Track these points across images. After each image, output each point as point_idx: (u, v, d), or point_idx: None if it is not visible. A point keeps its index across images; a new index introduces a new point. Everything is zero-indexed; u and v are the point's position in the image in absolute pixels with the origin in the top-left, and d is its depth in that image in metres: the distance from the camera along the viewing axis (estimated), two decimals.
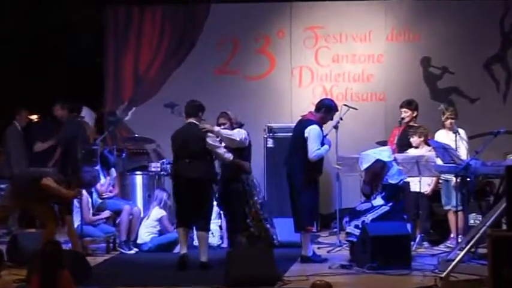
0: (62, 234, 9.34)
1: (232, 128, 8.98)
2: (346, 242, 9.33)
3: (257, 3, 12.48)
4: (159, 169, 10.90)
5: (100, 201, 10.06)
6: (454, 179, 9.55)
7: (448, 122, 9.94)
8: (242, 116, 9.35)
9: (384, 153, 9.13)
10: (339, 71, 12.32)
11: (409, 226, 9.12)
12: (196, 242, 8.99)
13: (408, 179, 9.56)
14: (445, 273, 7.45)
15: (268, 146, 10.90)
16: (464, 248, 7.88)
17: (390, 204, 8.92)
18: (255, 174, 9.20)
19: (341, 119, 9.84)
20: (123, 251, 9.90)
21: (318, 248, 9.71)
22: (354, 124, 11.39)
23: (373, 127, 11.97)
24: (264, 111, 11.99)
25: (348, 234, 8.96)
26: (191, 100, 9.08)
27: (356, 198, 10.54)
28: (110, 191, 10.35)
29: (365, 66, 12.28)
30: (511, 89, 12.11)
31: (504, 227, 7.41)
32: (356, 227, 8.79)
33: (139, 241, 10.02)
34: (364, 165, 9.11)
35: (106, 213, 10.07)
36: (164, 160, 10.90)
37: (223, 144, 8.88)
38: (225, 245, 10.03)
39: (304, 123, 9.04)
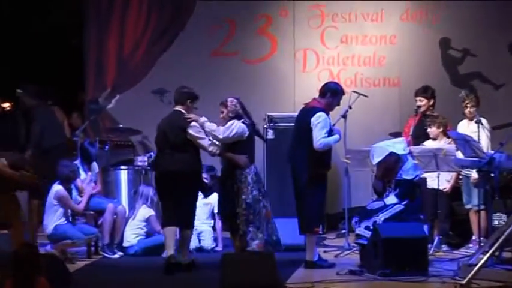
0: (41, 237, 9.37)
1: (229, 119, 8.94)
2: (355, 245, 9.35)
3: None
4: (146, 163, 10.92)
5: (80, 199, 10.04)
6: (473, 174, 9.56)
7: (467, 111, 9.92)
8: None
9: (398, 146, 9.12)
10: (348, 53, 12.31)
11: (426, 227, 9.14)
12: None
13: (425, 175, 9.59)
14: (466, 279, 7.47)
15: (268, 137, 10.88)
16: (487, 252, 7.89)
17: (405, 202, 8.93)
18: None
19: (350, 107, 9.83)
20: (107, 254, 9.89)
21: (324, 251, 9.72)
22: (365, 113, 11.40)
23: (386, 116, 11.98)
24: (264, 98, 11.97)
25: (358, 236, 8.95)
26: (181, 86, 9.08)
27: (367, 196, 10.57)
28: (93, 188, 10.34)
29: (376, 48, 12.28)
30: None
31: None
32: (367, 228, 8.78)
33: (124, 244, 10.03)
34: (376, 159, 9.10)
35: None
36: (152, 153, 10.87)
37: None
38: (219, 248, 10.04)
39: (308, 111, 8.94)
